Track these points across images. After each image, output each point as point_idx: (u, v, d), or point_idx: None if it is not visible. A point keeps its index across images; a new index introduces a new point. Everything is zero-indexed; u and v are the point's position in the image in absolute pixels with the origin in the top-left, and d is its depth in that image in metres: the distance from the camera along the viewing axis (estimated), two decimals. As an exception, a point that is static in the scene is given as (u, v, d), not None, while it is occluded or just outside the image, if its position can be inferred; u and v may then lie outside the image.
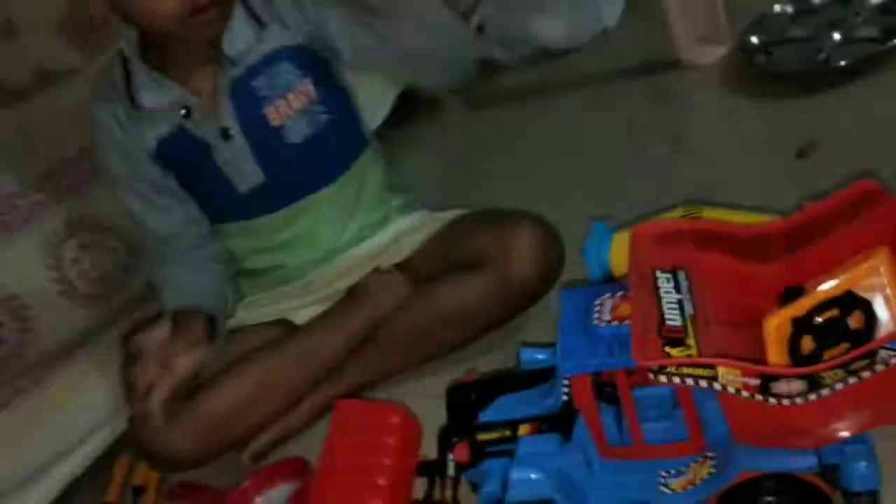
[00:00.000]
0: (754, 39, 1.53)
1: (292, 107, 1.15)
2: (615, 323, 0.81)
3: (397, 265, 1.24)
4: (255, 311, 1.29)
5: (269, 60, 1.15)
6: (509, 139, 1.73)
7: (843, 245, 0.82)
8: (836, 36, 1.43)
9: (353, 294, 1.25)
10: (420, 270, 1.22)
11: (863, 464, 0.76)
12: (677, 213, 1.00)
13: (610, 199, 1.39)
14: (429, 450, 1.03)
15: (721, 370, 0.72)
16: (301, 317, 1.27)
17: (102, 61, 1.29)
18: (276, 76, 1.15)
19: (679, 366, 0.73)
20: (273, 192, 1.20)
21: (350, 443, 1.03)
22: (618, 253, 1.00)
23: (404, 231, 1.26)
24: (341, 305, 1.25)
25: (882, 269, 0.77)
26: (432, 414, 1.07)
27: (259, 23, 1.15)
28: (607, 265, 1.02)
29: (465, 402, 0.94)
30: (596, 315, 0.83)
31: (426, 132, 1.83)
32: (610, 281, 1.02)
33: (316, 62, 1.18)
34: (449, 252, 1.20)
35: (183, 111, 1.15)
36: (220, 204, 1.23)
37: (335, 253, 1.26)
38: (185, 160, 1.19)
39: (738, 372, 0.72)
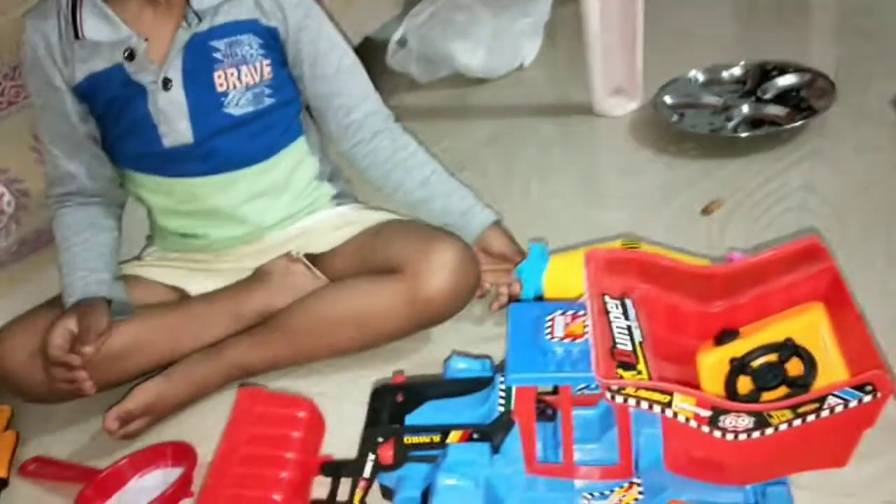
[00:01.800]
0: (668, 99, 1.60)
1: (242, 80, 1.14)
2: (567, 340, 0.81)
3: (314, 256, 1.21)
4: (157, 269, 1.25)
5: (237, 27, 1.13)
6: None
7: (779, 296, 0.87)
8: (746, 109, 1.53)
9: (255, 277, 1.22)
10: (337, 268, 1.20)
11: (782, 506, 0.79)
12: (617, 244, 1.02)
13: (521, 223, 1.41)
14: (329, 450, 1.00)
15: (677, 397, 0.73)
16: (196, 287, 1.23)
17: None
18: (237, 45, 1.13)
19: (638, 388, 0.74)
20: (197, 157, 1.16)
21: (252, 433, 0.97)
22: (552, 276, 1.01)
23: (330, 224, 1.24)
24: (239, 286, 1.22)
25: (822, 325, 0.82)
26: (337, 415, 1.04)
27: None
28: (541, 286, 1.02)
29: (391, 404, 0.91)
30: (547, 330, 0.83)
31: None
32: (540, 301, 1.02)
33: (280, 48, 1.18)
34: (368, 255, 1.18)
35: (126, 52, 1.10)
36: (141, 152, 1.18)
37: (257, 233, 1.22)
38: (113, 100, 1.14)
39: (692, 401, 0.73)
